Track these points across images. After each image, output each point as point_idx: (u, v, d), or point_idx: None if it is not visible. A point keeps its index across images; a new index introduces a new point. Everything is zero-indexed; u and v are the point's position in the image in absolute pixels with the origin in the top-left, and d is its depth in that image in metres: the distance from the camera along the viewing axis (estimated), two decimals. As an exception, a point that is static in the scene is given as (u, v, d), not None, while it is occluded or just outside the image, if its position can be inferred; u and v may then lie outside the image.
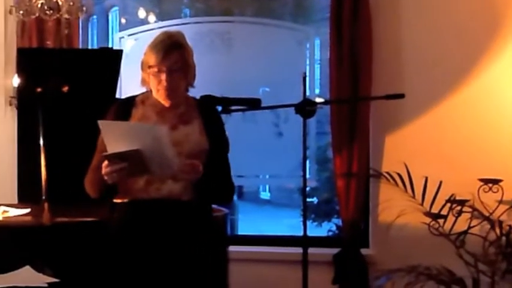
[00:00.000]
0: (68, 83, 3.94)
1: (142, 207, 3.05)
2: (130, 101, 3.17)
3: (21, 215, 3.78)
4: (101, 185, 3.02)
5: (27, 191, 4.23)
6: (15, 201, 4.25)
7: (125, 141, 2.83)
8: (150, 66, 3.03)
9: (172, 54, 3.02)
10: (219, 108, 3.35)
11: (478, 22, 4.71)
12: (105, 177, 2.91)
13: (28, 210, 3.83)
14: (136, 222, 3.06)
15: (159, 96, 3.06)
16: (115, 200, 3.12)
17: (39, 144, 3.77)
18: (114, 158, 2.86)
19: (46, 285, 2.73)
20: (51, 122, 3.84)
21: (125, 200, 3.08)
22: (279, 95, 4.80)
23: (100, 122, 2.86)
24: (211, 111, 3.22)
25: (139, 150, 2.80)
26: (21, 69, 4.03)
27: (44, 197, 3.69)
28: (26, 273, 2.83)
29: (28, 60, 4.01)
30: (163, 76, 3.01)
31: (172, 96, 3.05)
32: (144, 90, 3.17)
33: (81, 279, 3.32)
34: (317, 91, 6.51)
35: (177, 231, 3.04)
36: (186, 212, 3.06)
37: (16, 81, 4.12)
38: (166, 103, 3.07)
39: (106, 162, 2.89)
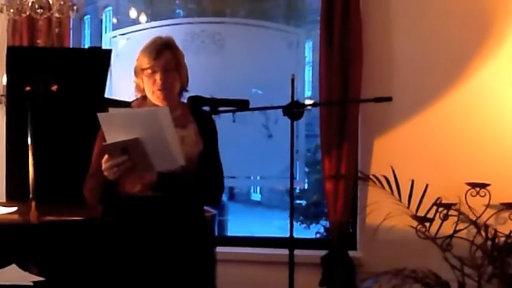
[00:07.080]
0: (57, 82, 3.94)
1: (132, 204, 3.04)
2: (126, 107, 3.16)
3: (8, 213, 3.78)
4: (100, 191, 2.99)
5: (15, 189, 4.23)
6: (3, 200, 4.25)
7: (125, 130, 2.77)
8: (143, 69, 3.05)
9: (164, 53, 3.05)
10: (207, 109, 3.35)
11: (467, 27, 4.73)
12: (106, 173, 2.84)
13: (15, 208, 3.83)
14: (126, 219, 3.04)
15: (156, 98, 3.06)
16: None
17: (28, 143, 3.77)
18: (115, 150, 2.78)
19: (32, 284, 2.74)
20: (40, 120, 3.83)
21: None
22: (270, 96, 4.80)
23: (99, 115, 2.79)
24: (203, 115, 3.21)
25: (138, 139, 2.75)
26: (10, 68, 4.02)
27: (31, 196, 3.69)
28: (12, 272, 2.84)
29: (17, 59, 4.01)
30: (158, 76, 3.02)
31: (168, 97, 3.05)
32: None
33: (67, 279, 3.32)
34: (308, 93, 6.51)
35: (165, 228, 3.03)
36: (174, 209, 3.06)
37: (5, 79, 4.12)
38: (163, 105, 3.05)
39: (106, 157, 2.83)
